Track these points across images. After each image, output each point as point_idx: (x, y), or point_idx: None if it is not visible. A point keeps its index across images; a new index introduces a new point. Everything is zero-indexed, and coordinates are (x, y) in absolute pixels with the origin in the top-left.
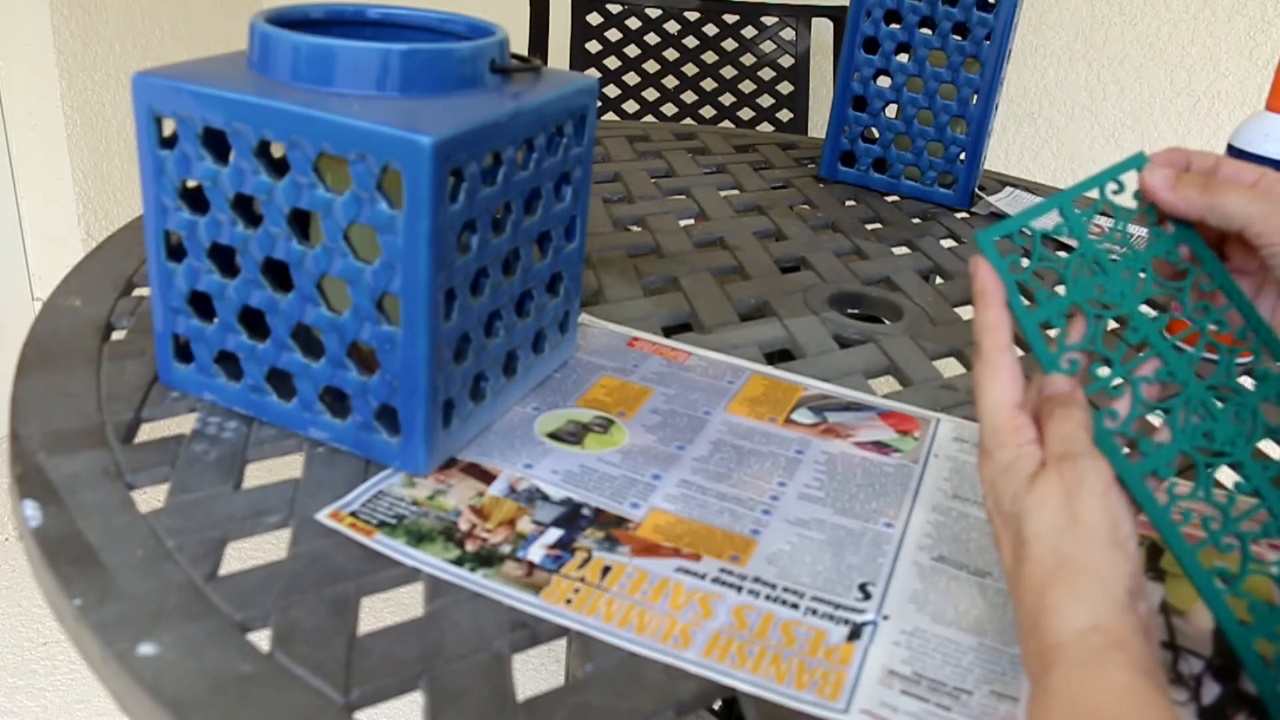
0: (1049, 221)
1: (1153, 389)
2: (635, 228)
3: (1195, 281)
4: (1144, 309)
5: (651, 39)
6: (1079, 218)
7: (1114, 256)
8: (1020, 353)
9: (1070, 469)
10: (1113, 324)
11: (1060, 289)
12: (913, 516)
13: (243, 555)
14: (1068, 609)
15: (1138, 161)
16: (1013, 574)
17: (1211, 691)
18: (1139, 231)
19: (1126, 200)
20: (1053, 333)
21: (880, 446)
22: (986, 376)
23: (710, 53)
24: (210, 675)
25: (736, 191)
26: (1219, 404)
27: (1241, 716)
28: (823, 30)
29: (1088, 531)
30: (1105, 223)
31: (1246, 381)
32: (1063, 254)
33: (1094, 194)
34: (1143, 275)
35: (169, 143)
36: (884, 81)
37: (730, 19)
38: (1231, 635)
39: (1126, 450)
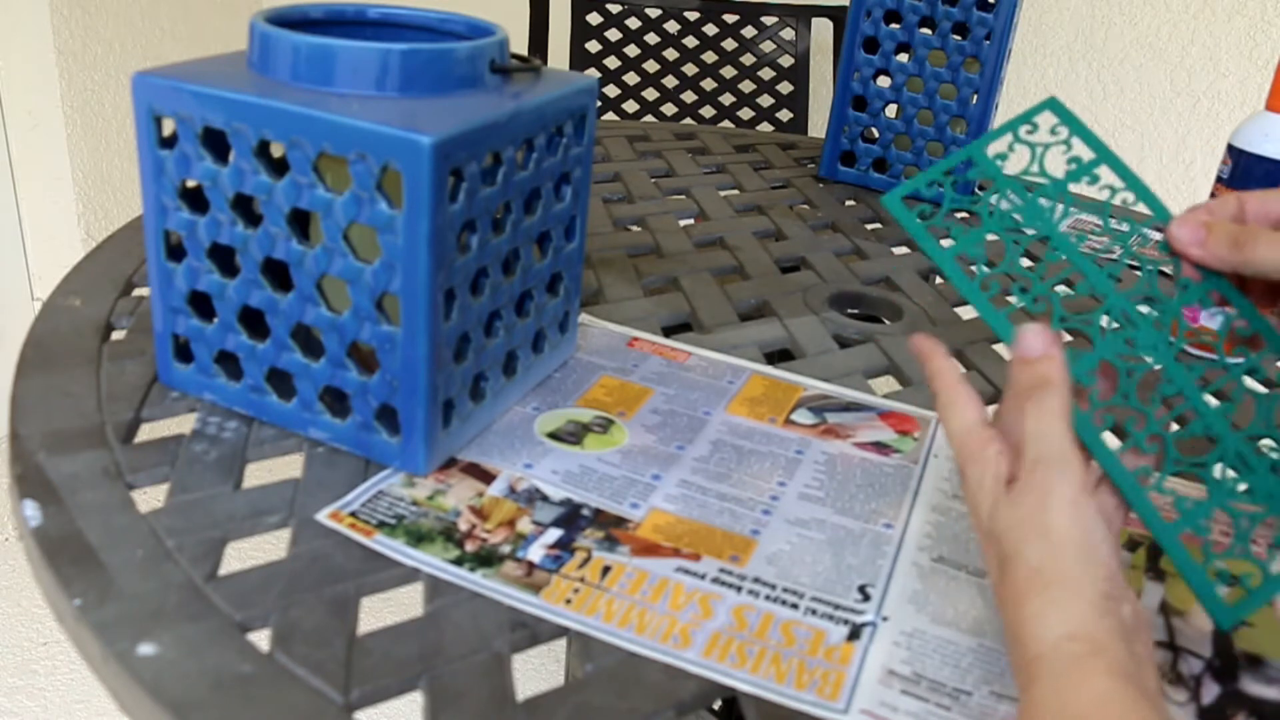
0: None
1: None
2: (635, 228)
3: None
4: (1064, 230)
5: (651, 39)
6: (992, 162)
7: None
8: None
9: (1041, 476)
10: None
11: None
12: (912, 517)
13: (243, 555)
14: (1044, 619)
15: (1049, 104)
16: (997, 589)
17: (1211, 691)
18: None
19: (1044, 138)
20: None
21: (880, 447)
22: (947, 409)
23: (710, 53)
24: (210, 675)
25: (736, 191)
26: (1142, 312)
27: (1241, 716)
28: (823, 30)
29: (1059, 543)
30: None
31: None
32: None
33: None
34: (1060, 201)
35: (169, 143)
36: (884, 81)
37: (730, 19)
38: (1155, 528)
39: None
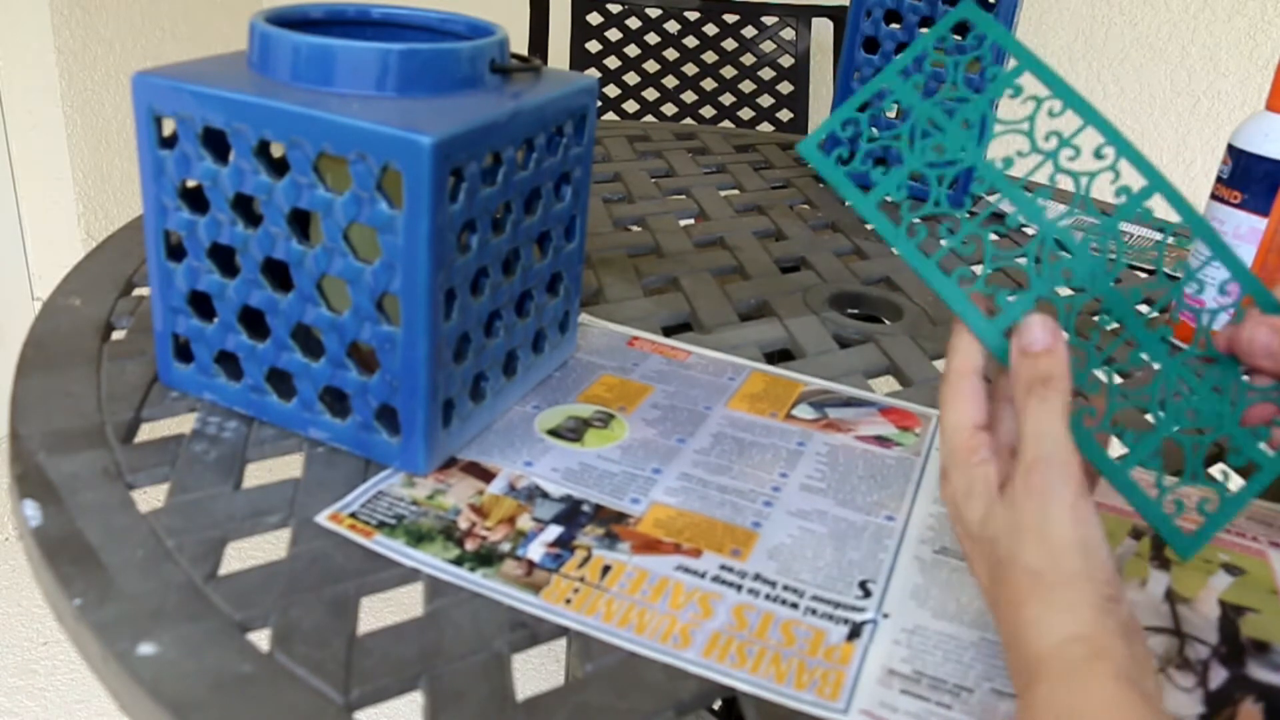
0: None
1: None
2: (635, 228)
3: (1043, 110)
4: (989, 158)
5: (651, 39)
6: (907, 85)
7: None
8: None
9: (1040, 479)
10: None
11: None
12: (915, 509)
13: (242, 555)
14: (1046, 621)
15: (964, 9)
16: (990, 593)
17: (1218, 677)
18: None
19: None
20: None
21: (881, 440)
22: (949, 398)
23: (710, 52)
24: (210, 675)
25: (736, 191)
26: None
27: (1248, 702)
28: (823, 30)
29: (1060, 547)
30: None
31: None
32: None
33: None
34: (983, 120)
35: (169, 142)
36: None
37: (730, 19)
38: (1103, 467)
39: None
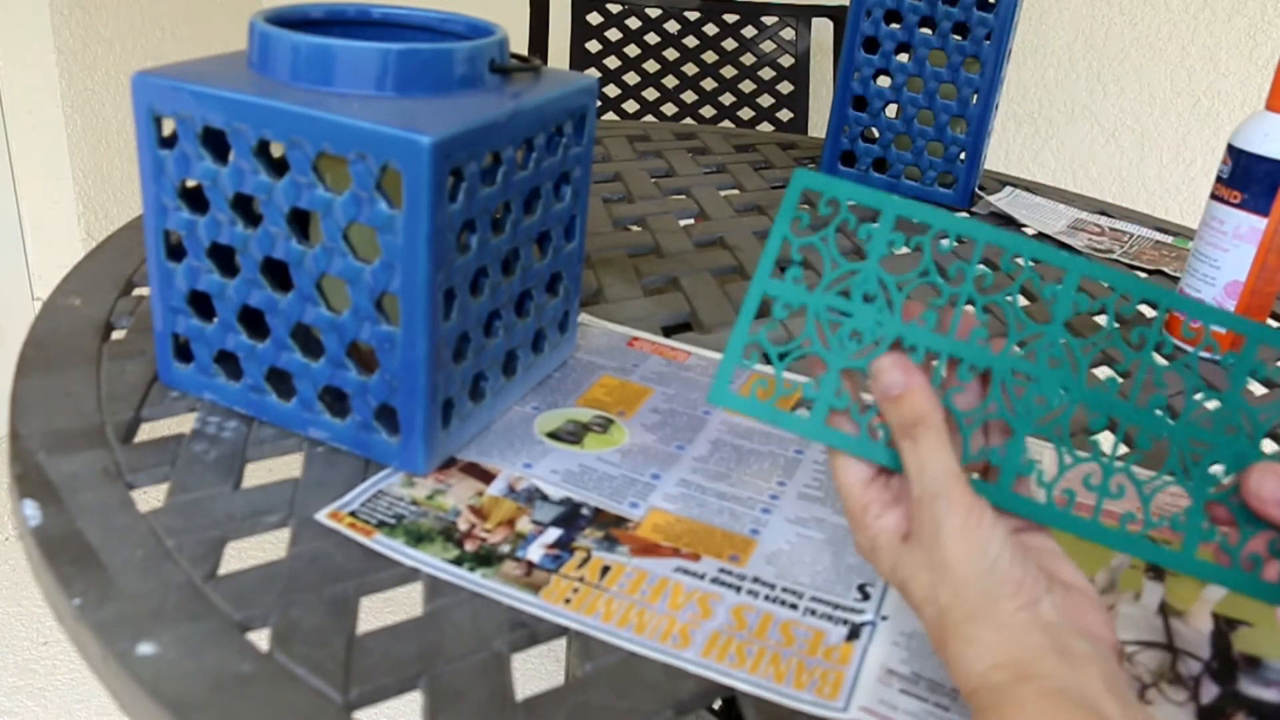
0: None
1: (965, 397)
2: (635, 228)
3: (934, 247)
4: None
5: (651, 39)
6: (787, 283)
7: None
8: None
9: (929, 514)
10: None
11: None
12: None
13: (242, 555)
14: (966, 656)
15: (797, 179)
16: (928, 633)
17: (1210, 692)
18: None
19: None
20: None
21: None
22: (836, 460)
23: (710, 52)
24: (210, 675)
25: (736, 191)
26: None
27: (1240, 717)
28: (823, 30)
29: (957, 578)
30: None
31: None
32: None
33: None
34: (880, 286)
35: (169, 142)
36: (884, 81)
37: (730, 19)
38: (1187, 568)
39: (977, 476)
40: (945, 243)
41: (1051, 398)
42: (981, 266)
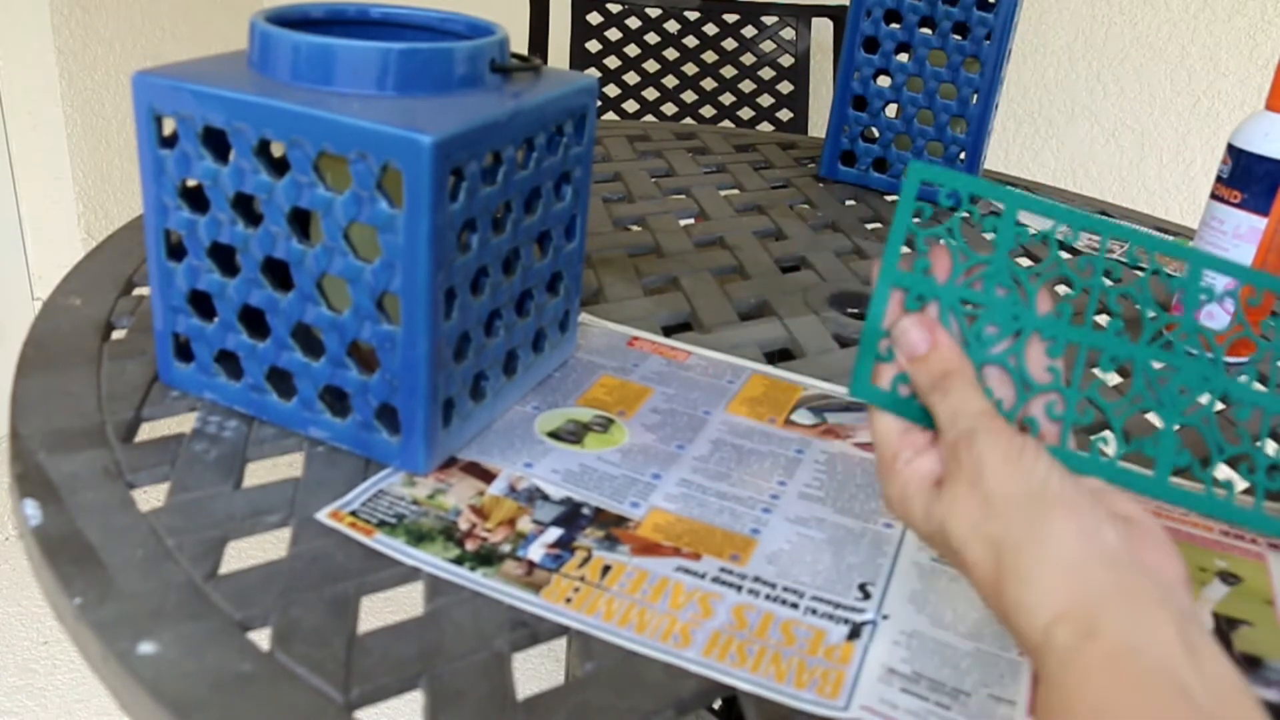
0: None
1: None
2: (635, 227)
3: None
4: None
5: (651, 38)
6: (918, 275)
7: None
8: None
9: (966, 453)
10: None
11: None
12: None
13: (242, 554)
14: (1024, 605)
15: (913, 171)
16: (976, 588)
17: None
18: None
19: None
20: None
21: None
22: (871, 418)
23: (710, 52)
24: (210, 674)
25: (736, 191)
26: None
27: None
28: (823, 30)
29: (1005, 505)
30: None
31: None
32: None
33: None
34: (1009, 285)
35: (169, 142)
36: (884, 81)
37: (730, 18)
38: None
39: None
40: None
41: (1194, 387)
42: (1110, 258)
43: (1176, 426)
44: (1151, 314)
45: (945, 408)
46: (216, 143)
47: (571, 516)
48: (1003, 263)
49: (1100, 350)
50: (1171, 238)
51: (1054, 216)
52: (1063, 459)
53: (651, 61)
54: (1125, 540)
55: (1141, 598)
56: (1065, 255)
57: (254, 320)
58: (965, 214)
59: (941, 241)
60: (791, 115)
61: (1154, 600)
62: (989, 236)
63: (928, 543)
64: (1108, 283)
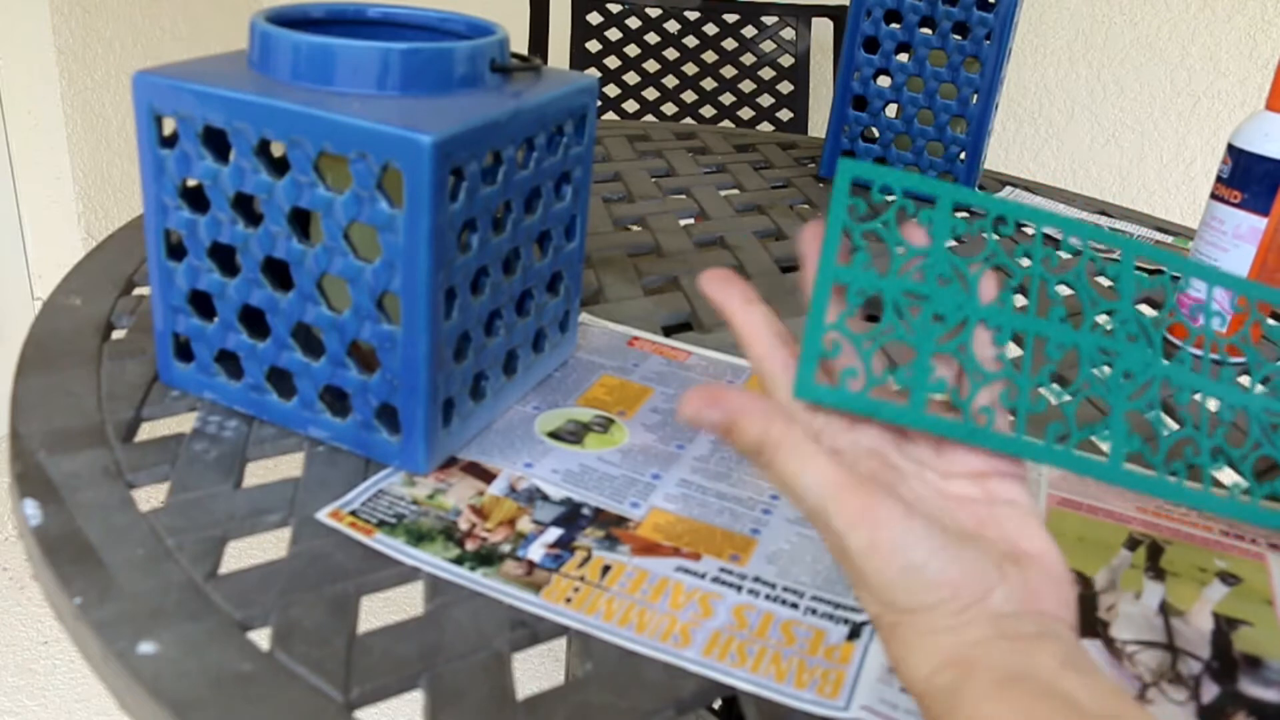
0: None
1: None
2: (635, 227)
3: (996, 242)
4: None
5: (651, 38)
6: (856, 269)
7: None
8: None
9: (825, 533)
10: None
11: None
12: None
13: (242, 554)
14: (906, 662)
15: (843, 168)
16: None
17: (1210, 692)
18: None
19: None
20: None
21: None
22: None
23: (710, 52)
24: (210, 674)
25: (736, 191)
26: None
27: (1240, 717)
28: (823, 30)
29: (878, 585)
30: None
31: None
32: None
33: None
34: (951, 272)
35: (169, 142)
36: (884, 81)
37: (730, 18)
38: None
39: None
40: (1004, 227)
41: (1138, 373)
42: (1047, 247)
43: (1125, 412)
44: (1090, 300)
45: (777, 484)
46: (216, 143)
47: (571, 516)
48: (941, 254)
49: (1045, 338)
50: (1171, 237)
51: (988, 207)
52: (1017, 449)
53: (651, 61)
54: (1019, 595)
55: (1022, 638)
56: (1019, 245)
57: (254, 320)
58: (900, 206)
59: (914, 220)
60: (791, 115)
61: (1034, 637)
62: (925, 227)
63: None
64: (1045, 270)
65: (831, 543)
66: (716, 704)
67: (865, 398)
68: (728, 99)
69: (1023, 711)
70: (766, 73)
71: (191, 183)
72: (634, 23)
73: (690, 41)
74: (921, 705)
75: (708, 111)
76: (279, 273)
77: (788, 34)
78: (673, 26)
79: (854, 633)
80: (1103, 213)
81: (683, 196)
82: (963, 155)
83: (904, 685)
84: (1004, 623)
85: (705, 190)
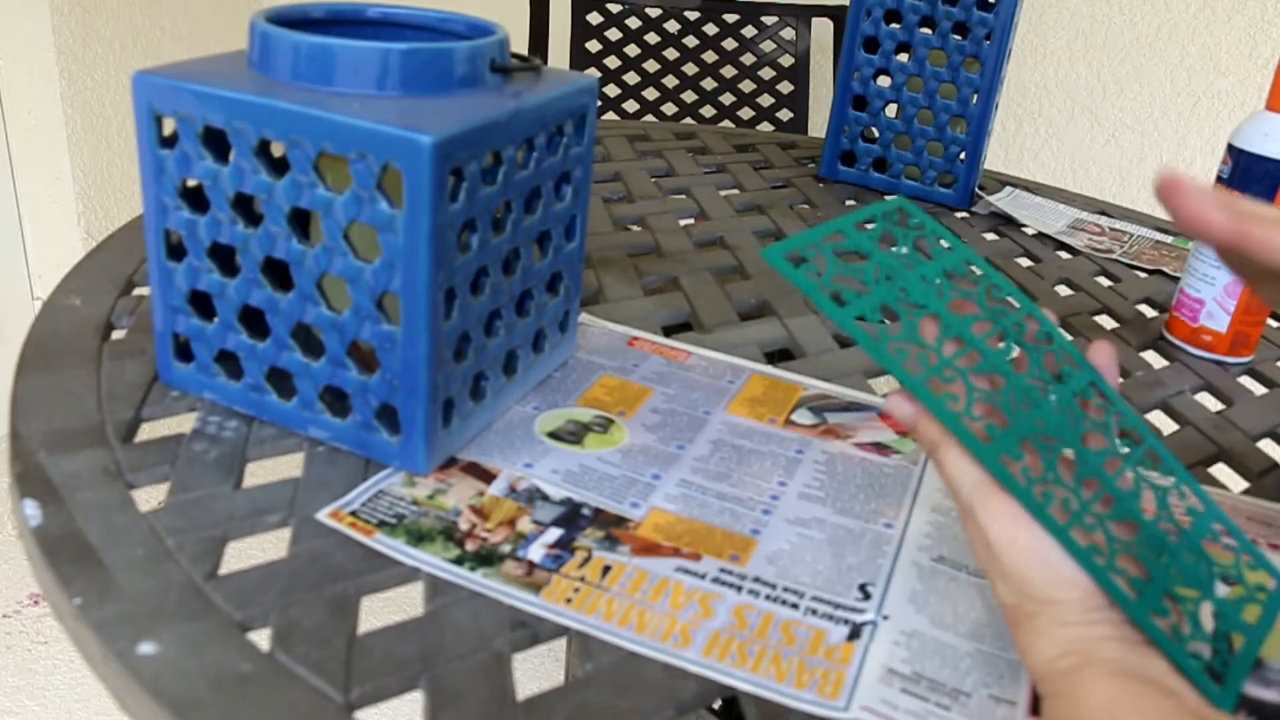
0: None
1: (980, 380)
2: (635, 227)
3: (988, 289)
4: (950, 310)
5: (651, 38)
6: (863, 237)
7: (904, 257)
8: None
9: (971, 526)
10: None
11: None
12: (912, 517)
13: (242, 554)
14: (1034, 646)
15: (899, 203)
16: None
17: None
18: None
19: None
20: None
21: (880, 447)
22: (948, 456)
23: (710, 52)
24: (210, 674)
25: (736, 191)
26: (1042, 395)
27: (1240, 716)
28: (823, 30)
29: (1019, 579)
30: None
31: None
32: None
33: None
34: (939, 282)
35: (169, 142)
36: (884, 81)
37: (730, 18)
38: (1128, 607)
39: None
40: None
41: (1052, 429)
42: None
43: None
44: (1015, 352)
45: (944, 477)
46: (216, 143)
47: (571, 517)
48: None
49: (983, 357)
50: (1171, 237)
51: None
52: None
53: (651, 61)
54: (1126, 622)
55: (1136, 644)
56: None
57: (254, 320)
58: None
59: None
60: (791, 115)
61: (1146, 644)
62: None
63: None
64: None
65: (977, 537)
66: (716, 704)
67: (815, 285)
68: (728, 99)
69: (1136, 694)
70: (766, 73)
71: (191, 183)
72: (634, 23)
73: (690, 41)
74: (1041, 685)
75: (708, 111)
76: (279, 273)
77: (788, 34)
78: (673, 26)
79: (854, 633)
80: (1103, 213)
81: (683, 196)
82: (963, 155)
83: (1028, 666)
84: (1123, 628)
85: (705, 190)
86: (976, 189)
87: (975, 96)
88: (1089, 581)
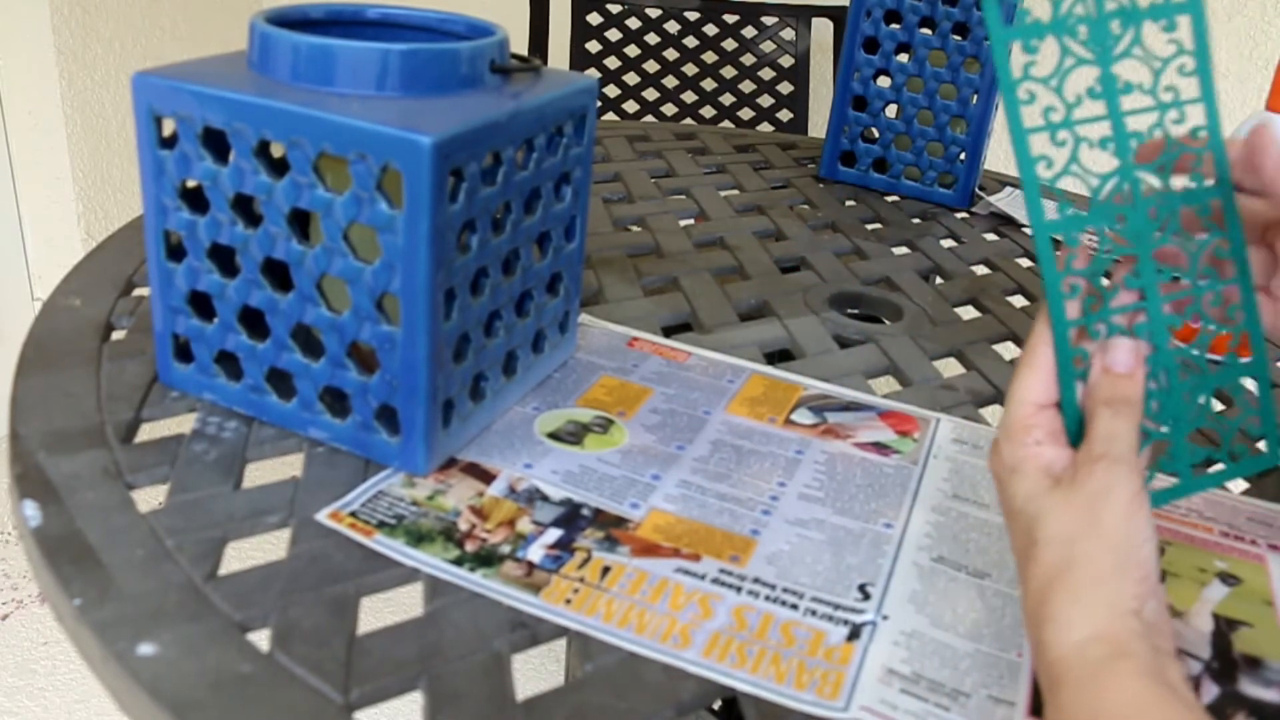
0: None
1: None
2: (635, 228)
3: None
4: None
5: (651, 39)
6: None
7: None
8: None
9: (1102, 473)
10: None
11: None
12: (912, 517)
13: (242, 555)
14: (1067, 617)
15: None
16: (1020, 570)
17: (1210, 692)
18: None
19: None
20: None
21: (880, 447)
22: (1021, 368)
23: (710, 53)
24: (210, 675)
25: (736, 191)
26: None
27: (1240, 716)
28: (823, 30)
29: (1106, 541)
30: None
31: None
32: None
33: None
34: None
35: (169, 143)
36: (884, 81)
37: (730, 19)
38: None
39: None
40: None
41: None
42: None
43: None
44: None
45: (1105, 426)
46: (216, 143)
47: (571, 517)
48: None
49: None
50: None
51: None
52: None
53: (651, 62)
54: (1156, 617)
55: (1159, 649)
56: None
57: (254, 321)
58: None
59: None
60: (791, 115)
61: (1168, 653)
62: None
63: (1006, 515)
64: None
65: (1097, 482)
66: (716, 705)
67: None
68: (728, 99)
69: (1162, 699)
70: (766, 73)
71: (191, 183)
72: (634, 23)
73: (690, 42)
74: (1057, 668)
75: (708, 112)
76: (279, 274)
77: (787, 34)
78: (673, 27)
79: (854, 633)
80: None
81: (683, 197)
82: (963, 155)
83: (1038, 644)
84: (1150, 630)
85: (705, 190)
86: (976, 189)
87: (975, 97)
88: (1153, 567)
